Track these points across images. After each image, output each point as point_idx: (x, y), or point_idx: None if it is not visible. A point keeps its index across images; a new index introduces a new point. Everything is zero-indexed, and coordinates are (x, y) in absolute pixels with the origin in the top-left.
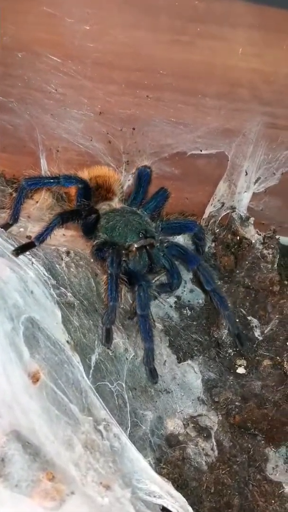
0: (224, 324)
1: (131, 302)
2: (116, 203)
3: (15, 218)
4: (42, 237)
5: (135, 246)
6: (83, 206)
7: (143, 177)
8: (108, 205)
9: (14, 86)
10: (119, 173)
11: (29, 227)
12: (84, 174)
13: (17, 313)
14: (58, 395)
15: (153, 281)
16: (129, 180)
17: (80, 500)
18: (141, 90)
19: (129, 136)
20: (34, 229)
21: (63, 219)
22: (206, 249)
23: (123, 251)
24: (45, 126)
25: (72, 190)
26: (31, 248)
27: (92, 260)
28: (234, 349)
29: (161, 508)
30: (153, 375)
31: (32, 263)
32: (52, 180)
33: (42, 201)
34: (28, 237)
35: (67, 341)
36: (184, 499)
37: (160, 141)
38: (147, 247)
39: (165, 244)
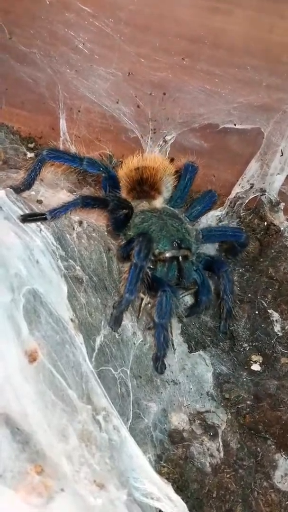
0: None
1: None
2: (158, 203)
3: (28, 185)
4: (56, 213)
5: (167, 255)
6: (113, 198)
7: (188, 174)
8: (148, 203)
9: (39, 36)
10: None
11: (41, 191)
12: (133, 161)
13: (19, 284)
14: (56, 378)
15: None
16: (154, 152)
17: (69, 499)
18: (176, 54)
19: (158, 101)
20: (46, 194)
21: (84, 203)
22: None
23: (153, 258)
24: (68, 83)
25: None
26: (41, 220)
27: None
28: (250, 343)
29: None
30: (160, 367)
31: (41, 230)
32: (74, 160)
33: (57, 164)
34: (39, 201)
35: (71, 319)
36: (184, 504)
37: (191, 110)
38: (180, 259)
39: (200, 258)
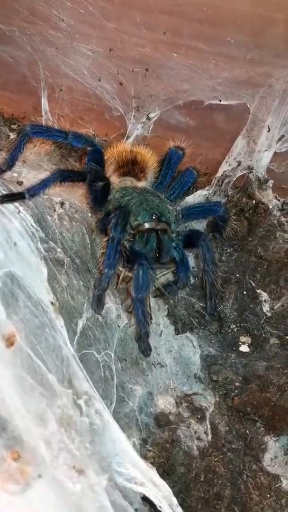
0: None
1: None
2: (141, 185)
3: (9, 165)
4: (34, 190)
5: (146, 226)
6: (90, 170)
7: (173, 160)
8: (131, 182)
9: (17, 13)
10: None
11: (24, 173)
12: (124, 145)
13: None
14: (34, 362)
15: (159, 275)
16: (137, 129)
17: (47, 485)
18: (157, 29)
19: (141, 78)
20: (28, 175)
21: (62, 176)
22: None
23: (131, 230)
24: (49, 61)
25: None
26: (20, 200)
27: (91, 218)
28: (238, 324)
29: (141, 496)
30: (145, 348)
31: (19, 211)
32: (59, 135)
33: (40, 145)
34: (20, 182)
35: (51, 302)
36: (169, 489)
37: (175, 86)
38: (159, 232)
39: (180, 237)
